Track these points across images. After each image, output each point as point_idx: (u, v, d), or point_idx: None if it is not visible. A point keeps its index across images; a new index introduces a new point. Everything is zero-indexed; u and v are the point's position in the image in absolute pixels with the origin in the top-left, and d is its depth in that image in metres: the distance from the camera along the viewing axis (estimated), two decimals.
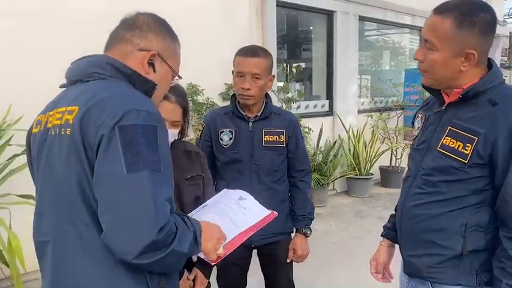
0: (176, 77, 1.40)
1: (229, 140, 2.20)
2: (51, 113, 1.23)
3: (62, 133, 1.15)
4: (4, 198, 3.31)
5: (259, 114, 2.22)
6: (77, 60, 1.28)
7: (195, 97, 4.70)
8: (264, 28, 5.64)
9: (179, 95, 1.82)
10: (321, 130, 6.08)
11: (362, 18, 7.00)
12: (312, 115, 6.40)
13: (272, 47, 5.71)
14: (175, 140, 1.89)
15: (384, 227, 1.87)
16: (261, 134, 2.20)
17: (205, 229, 1.26)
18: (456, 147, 1.43)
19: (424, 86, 1.57)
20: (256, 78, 2.10)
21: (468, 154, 1.40)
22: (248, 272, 2.42)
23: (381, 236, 1.88)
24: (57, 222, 1.17)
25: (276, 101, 5.38)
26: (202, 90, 4.72)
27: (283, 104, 5.30)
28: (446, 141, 1.46)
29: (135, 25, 1.28)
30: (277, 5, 5.72)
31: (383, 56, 8.67)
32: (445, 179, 1.46)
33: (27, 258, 2.93)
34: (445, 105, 1.53)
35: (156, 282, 1.20)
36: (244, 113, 2.22)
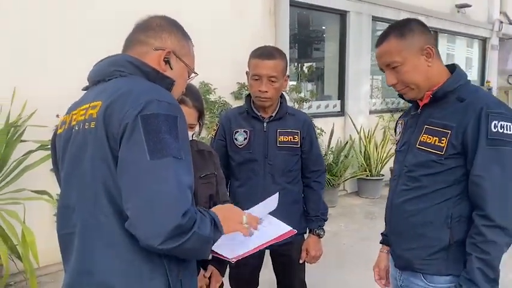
0: (193, 74, 1.45)
1: (244, 140, 2.21)
2: (74, 111, 1.28)
3: (86, 127, 1.20)
4: (19, 193, 3.35)
5: (273, 114, 2.22)
6: (99, 62, 1.34)
7: (207, 96, 4.72)
8: (277, 28, 5.63)
9: (196, 99, 1.84)
10: (332, 130, 6.07)
11: (375, 19, 6.96)
12: (324, 115, 6.39)
13: (285, 47, 5.70)
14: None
15: (382, 234, 1.95)
16: (276, 134, 2.21)
17: (222, 212, 1.27)
18: (433, 142, 1.56)
19: (401, 96, 1.71)
20: (273, 80, 2.11)
21: (444, 146, 1.53)
22: (260, 272, 2.42)
23: (380, 243, 1.96)
24: (82, 214, 1.20)
25: (288, 101, 5.39)
26: (215, 89, 4.74)
27: (296, 103, 5.29)
28: (423, 139, 1.60)
29: (149, 27, 1.34)
30: (290, 5, 5.72)
31: None
32: (426, 173, 1.58)
33: (41, 253, 2.97)
34: (420, 108, 1.68)
35: (175, 274, 1.22)
36: (259, 113, 2.22)
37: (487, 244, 1.44)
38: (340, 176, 6.09)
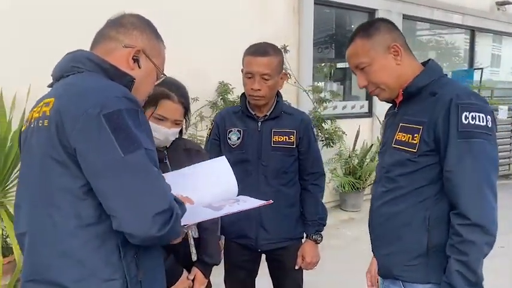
0: (162, 76, 1.43)
1: (237, 139, 2.14)
2: (35, 109, 1.26)
3: (40, 125, 1.18)
4: None
5: (268, 113, 2.13)
6: (62, 57, 1.32)
7: (226, 95, 4.67)
8: (301, 26, 5.52)
9: (182, 95, 1.80)
10: (357, 132, 5.89)
11: (406, 17, 6.72)
12: (350, 116, 6.22)
13: (308, 46, 5.59)
14: (175, 138, 1.87)
15: None
16: (270, 134, 2.12)
17: None
18: (406, 140, 1.51)
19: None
20: (266, 78, 2.02)
21: (416, 143, 1.47)
22: (257, 277, 2.34)
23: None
24: (32, 213, 1.19)
25: (307, 101, 5.26)
26: (233, 88, 4.68)
27: (316, 104, 5.15)
28: (398, 137, 1.55)
29: (121, 23, 1.31)
30: (315, 3, 5.59)
31: (428, 56, 8.29)
32: (401, 172, 1.53)
33: None
34: (397, 106, 1.62)
35: (134, 275, 1.19)
36: (253, 112, 2.14)
37: (464, 244, 1.36)
38: (365, 179, 5.90)
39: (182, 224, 1.34)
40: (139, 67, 1.30)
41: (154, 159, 1.15)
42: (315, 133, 2.22)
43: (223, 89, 4.66)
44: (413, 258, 1.50)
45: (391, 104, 1.71)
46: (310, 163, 2.19)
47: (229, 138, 2.15)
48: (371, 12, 6.32)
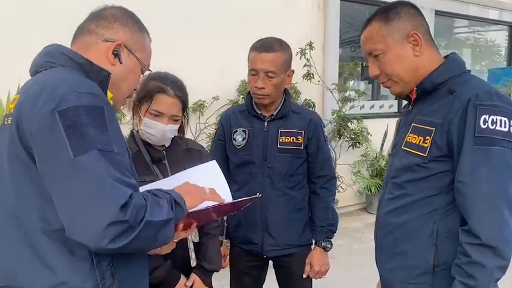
0: (147, 71, 1.35)
1: (242, 140, 2.03)
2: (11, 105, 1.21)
3: (6, 123, 1.14)
4: None
5: (275, 113, 2.02)
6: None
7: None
8: (326, 23, 5.36)
9: (178, 88, 1.72)
10: (385, 132, 5.67)
11: (439, 13, 6.42)
12: (377, 116, 6.00)
13: (334, 43, 5.43)
14: (175, 136, 1.79)
15: None
16: (277, 134, 2.00)
17: (184, 189, 1.23)
18: (417, 143, 1.36)
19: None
20: (271, 76, 1.90)
21: (427, 147, 1.32)
22: (265, 284, 2.24)
23: None
24: (3, 216, 1.13)
25: (333, 100, 5.10)
26: None
27: (340, 103, 4.99)
28: (409, 139, 1.41)
29: (102, 16, 1.25)
30: None
31: (463, 54, 7.94)
32: (410, 179, 1.38)
33: None
34: (411, 103, 1.47)
35: (109, 284, 1.12)
36: (259, 112, 2.03)
37: (472, 266, 1.20)
38: None
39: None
40: (120, 62, 1.23)
41: (118, 163, 1.04)
42: (325, 134, 2.09)
43: (245, 88, 4.57)
44: (418, 275, 1.36)
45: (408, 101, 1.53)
46: (320, 165, 2.06)
47: (234, 139, 2.05)
48: None
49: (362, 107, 5.77)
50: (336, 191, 2.20)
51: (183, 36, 4.12)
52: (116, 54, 1.22)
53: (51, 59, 1.17)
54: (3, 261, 1.13)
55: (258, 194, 1.47)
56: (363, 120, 5.36)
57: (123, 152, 1.11)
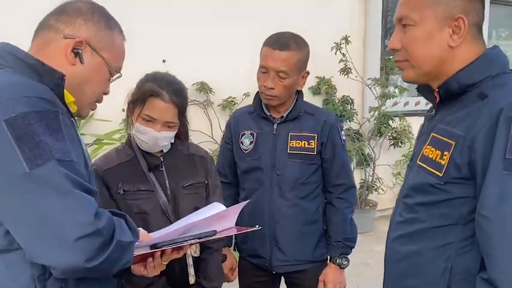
0: (116, 74, 1.20)
1: (250, 144, 1.86)
2: None
3: None
4: None
5: (286, 114, 1.83)
6: None
7: None
8: (367, 15, 5.05)
9: (174, 92, 1.56)
10: None
11: (494, 2, 5.92)
12: (422, 114, 5.59)
13: (376, 37, 5.12)
14: (176, 141, 1.66)
15: None
16: (287, 138, 1.81)
17: None
18: (434, 158, 1.12)
19: (417, 89, 1.26)
20: (282, 76, 1.72)
21: (444, 165, 1.08)
22: None
23: None
24: None
25: (371, 96, 4.80)
26: None
27: (379, 100, 4.69)
28: (426, 151, 1.16)
29: (64, 10, 1.12)
30: None
31: None
32: (422, 201, 1.15)
33: None
34: (436, 107, 1.21)
35: None
36: (268, 113, 1.85)
37: None
38: None
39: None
40: (81, 62, 1.09)
41: (77, 172, 0.94)
42: (343, 137, 1.87)
43: None
44: None
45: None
46: (336, 173, 1.85)
47: (241, 142, 1.88)
48: None
49: (406, 103, 5.40)
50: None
51: (213, 32, 3.99)
52: (77, 53, 1.08)
53: None
54: None
55: (257, 226, 1.40)
56: (406, 118, 5.02)
57: (81, 161, 1.01)
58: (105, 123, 3.51)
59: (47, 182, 0.89)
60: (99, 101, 1.20)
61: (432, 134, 1.16)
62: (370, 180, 4.74)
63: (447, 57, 1.12)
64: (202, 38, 3.89)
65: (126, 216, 1.07)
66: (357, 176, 4.81)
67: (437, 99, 1.19)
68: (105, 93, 1.20)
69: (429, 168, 1.13)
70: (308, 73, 1.83)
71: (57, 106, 0.98)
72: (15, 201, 0.89)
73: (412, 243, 1.18)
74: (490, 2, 5.81)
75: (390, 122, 4.78)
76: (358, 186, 4.77)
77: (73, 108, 1.11)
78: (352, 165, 4.43)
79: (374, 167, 4.73)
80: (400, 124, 4.94)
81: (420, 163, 1.18)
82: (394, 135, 4.86)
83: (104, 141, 3.42)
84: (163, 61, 3.38)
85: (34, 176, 0.88)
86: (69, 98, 1.07)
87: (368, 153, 4.76)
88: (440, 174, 1.09)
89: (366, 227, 4.45)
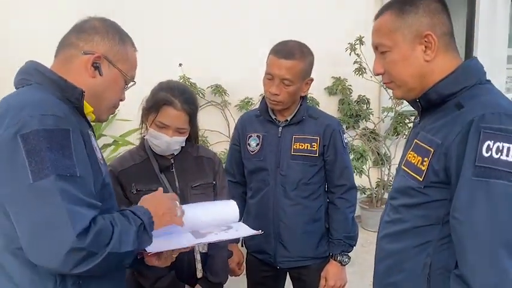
0: (131, 82, 1.34)
1: (256, 145, 1.97)
2: None
3: None
4: None
5: (290, 118, 1.93)
6: None
7: None
8: None
9: (185, 100, 1.68)
10: None
11: None
12: None
13: None
14: (187, 143, 1.78)
15: None
16: (291, 140, 1.92)
17: (153, 206, 1.23)
18: (416, 163, 1.21)
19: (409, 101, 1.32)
20: (287, 84, 1.82)
21: (424, 170, 1.17)
22: None
23: None
24: None
25: (385, 96, 4.83)
26: None
27: (393, 99, 4.70)
28: (409, 157, 1.25)
29: (82, 29, 1.25)
30: None
31: None
32: (404, 203, 1.25)
33: None
34: (420, 115, 1.30)
35: None
36: (274, 117, 1.95)
37: None
38: None
39: (147, 252, 1.27)
40: (100, 74, 1.22)
41: (79, 187, 1.05)
42: (345, 140, 1.96)
43: None
44: None
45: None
46: (337, 174, 1.94)
47: (248, 144, 2.00)
48: None
49: None
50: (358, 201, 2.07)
51: (231, 34, 4.10)
52: (96, 67, 1.22)
53: (26, 76, 1.19)
54: None
55: (260, 231, 1.52)
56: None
57: (88, 175, 1.10)
58: (126, 123, 3.63)
59: (43, 195, 1.00)
60: (116, 106, 1.33)
61: (415, 140, 1.25)
62: (386, 179, 4.77)
63: (426, 71, 1.20)
64: (220, 41, 4.00)
65: (144, 220, 1.16)
66: (373, 175, 4.85)
67: (420, 108, 1.27)
68: (121, 100, 1.33)
69: (411, 173, 1.22)
70: (312, 80, 1.92)
71: (70, 123, 1.09)
72: (18, 205, 1.02)
73: (396, 242, 1.27)
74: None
75: (407, 121, 4.79)
76: (374, 185, 4.81)
77: (91, 117, 1.25)
78: (368, 165, 4.47)
79: (390, 166, 4.76)
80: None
81: (404, 168, 1.27)
82: None
83: (120, 143, 3.57)
84: (180, 65, 3.50)
85: (35, 187, 1.00)
86: (87, 108, 1.21)
87: (384, 153, 4.79)
88: (421, 179, 1.17)
89: None
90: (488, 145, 1.03)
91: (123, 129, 3.72)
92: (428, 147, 1.17)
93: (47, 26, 3.22)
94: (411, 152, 1.24)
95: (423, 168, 1.17)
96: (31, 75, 1.18)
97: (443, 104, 1.20)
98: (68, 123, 1.08)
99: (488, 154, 1.03)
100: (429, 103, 1.22)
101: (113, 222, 1.08)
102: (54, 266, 1.01)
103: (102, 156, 1.28)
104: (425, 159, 1.17)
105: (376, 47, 1.27)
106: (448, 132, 1.13)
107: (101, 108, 1.27)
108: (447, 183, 1.13)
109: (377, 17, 1.27)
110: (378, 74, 1.30)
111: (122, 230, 1.09)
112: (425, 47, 1.19)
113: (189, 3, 3.96)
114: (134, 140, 3.63)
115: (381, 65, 1.26)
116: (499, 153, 1.03)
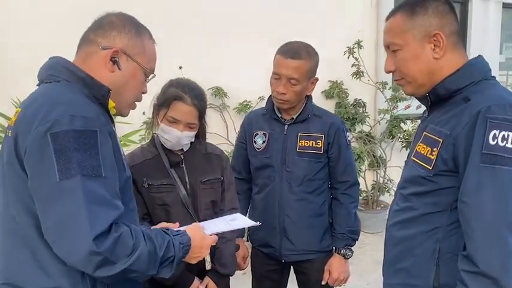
0: (151, 75, 1.36)
1: (262, 143, 2.04)
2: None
3: (8, 134, 1.19)
4: None
5: (295, 116, 2.00)
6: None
7: None
8: (379, 21, 5.16)
9: (196, 96, 1.74)
10: None
11: (507, 6, 5.99)
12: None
13: None
14: (196, 140, 1.84)
15: None
16: (296, 138, 1.99)
17: (197, 241, 1.30)
18: (425, 153, 1.28)
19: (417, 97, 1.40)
20: (294, 83, 1.89)
21: (433, 160, 1.24)
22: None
23: None
24: (3, 216, 1.19)
25: (381, 99, 4.92)
26: None
27: (389, 102, 4.80)
28: (419, 148, 1.33)
29: (99, 25, 1.28)
30: None
31: None
32: (414, 191, 1.32)
33: None
34: (428, 109, 1.38)
35: None
36: (280, 115, 2.02)
37: None
38: None
39: None
40: (119, 69, 1.25)
41: (104, 185, 1.08)
42: (348, 138, 2.03)
43: None
44: None
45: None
46: (341, 171, 2.01)
47: (255, 142, 2.06)
48: (463, 2, 5.73)
49: (419, 106, 5.47)
50: (360, 197, 2.14)
51: (230, 38, 4.16)
52: (114, 61, 1.24)
53: (54, 72, 1.21)
54: (7, 260, 1.19)
55: (258, 222, 1.58)
56: (418, 120, 5.09)
57: (113, 176, 1.13)
58: (127, 126, 3.69)
59: (68, 194, 1.04)
60: (139, 99, 1.36)
61: (424, 132, 1.33)
62: (381, 181, 4.85)
63: (435, 68, 1.29)
64: (220, 43, 4.07)
65: (177, 252, 1.20)
66: (369, 178, 4.92)
67: (430, 102, 1.35)
68: (144, 93, 1.36)
69: (421, 163, 1.29)
70: (317, 79, 2.00)
71: (99, 124, 1.11)
72: (46, 201, 1.06)
73: (406, 228, 1.33)
74: (503, 7, 5.89)
75: (402, 124, 4.88)
76: (370, 187, 4.89)
77: (113, 112, 1.28)
78: (364, 166, 4.54)
79: (385, 168, 4.83)
80: (412, 127, 5.03)
81: (414, 158, 1.34)
82: (406, 137, 4.95)
83: (122, 142, 3.62)
84: (180, 68, 3.56)
85: (61, 186, 1.04)
86: (110, 103, 1.24)
87: (380, 155, 4.87)
88: (430, 168, 1.25)
89: (378, 227, 4.55)
90: (495, 134, 1.11)
91: (122, 131, 3.76)
92: (437, 138, 1.24)
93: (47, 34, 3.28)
94: (420, 144, 1.32)
95: (432, 157, 1.24)
96: (60, 72, 1.20)
97: (451, 98, 1.28)
98: (96, 124, 1.11)
99: (494, 142, 1.11)
100: (438, 97, 1.31)
101: (147, 238, 1.12)
102: (77, 266, 1.05)
103: (124, 156, 1.31)
104: (435, 149, 1.24)
105: (387, 46, 1.36)
106: (456, 123, 1.20)
107: (122, 103, 1.29)
108: (455, 171, 1.20)
109: (389, 17, 1.36)
110: (389, 72, 1.37)
111: (150, 249, 1.11)
112: (434, 45, 1.27)
113: (189, 7, 4.02)
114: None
115: (392, 63, 1.35)
116: (505, 141, 1.11)
